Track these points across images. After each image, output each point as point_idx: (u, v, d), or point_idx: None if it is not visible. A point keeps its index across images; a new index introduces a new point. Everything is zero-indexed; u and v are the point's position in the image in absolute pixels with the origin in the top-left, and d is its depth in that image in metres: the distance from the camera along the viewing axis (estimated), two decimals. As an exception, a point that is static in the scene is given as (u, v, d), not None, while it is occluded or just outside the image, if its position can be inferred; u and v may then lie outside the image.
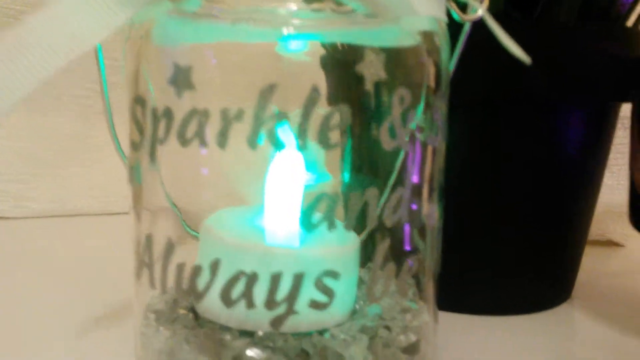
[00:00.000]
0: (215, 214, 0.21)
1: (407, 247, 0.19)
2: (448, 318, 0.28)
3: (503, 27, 0.18)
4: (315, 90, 0.16)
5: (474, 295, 0.28)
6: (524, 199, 0.28)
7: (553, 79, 0.26)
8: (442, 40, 0.20)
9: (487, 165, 0.27)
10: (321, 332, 0.19)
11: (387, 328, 0.20)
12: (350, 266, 0.20)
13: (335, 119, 0.16)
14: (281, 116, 0.16)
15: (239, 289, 0.17)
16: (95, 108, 0.52)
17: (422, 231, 0.19)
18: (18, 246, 0.41)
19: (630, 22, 0.29)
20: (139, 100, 0.18)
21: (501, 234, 0.28)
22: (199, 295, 0.17)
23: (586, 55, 0.26)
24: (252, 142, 0.16)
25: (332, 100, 0.17)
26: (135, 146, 0.18)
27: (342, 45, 0.19)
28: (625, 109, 0.30)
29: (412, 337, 0.20)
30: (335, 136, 0.16)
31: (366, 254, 0.20)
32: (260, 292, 0.17)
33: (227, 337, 0.19)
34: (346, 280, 0.19)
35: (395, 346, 0.20)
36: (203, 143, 0.16)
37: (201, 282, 0.17)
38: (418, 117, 0.18)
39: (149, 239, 0.18)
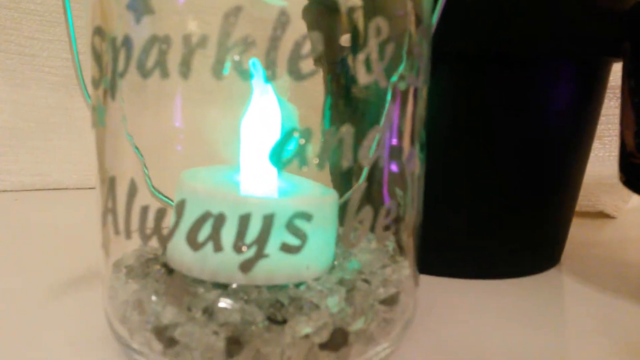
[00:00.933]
0: (191, 170, 0.20)
1: (385, 191, 0.18)
2: (436, 282, 0.27)
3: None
4: (283, 14, 0.15)
5: (463, 259, 0.28)
6: (510, 162, 0.27)
7: (541, 32, 0.25)
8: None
9: (472, 127, 0.26)
10: (297, 285, 0.18)
11: (366, 281, 0.20)
12: (326, 216, 0.19)
13: (307, 46, 0.15)
14: (248, 43, 0.15)
15: (205, 230, 0.16)
16: (75, 79, 0.50)
17: (402, 176, 0.18)
18: None
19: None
20: (97, 31, 0.16)
21: (489, 198, 0.27)
22: (164, 239, 0.16)
23: (576, 8, 0.25)
24: (217, 72, 0.15)
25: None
26: (95, 83, 0.17)
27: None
28: (616, 77, 0.29)
29: (392, 290, 0.20)
30: (307, 66, 0.15)
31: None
32: (228, 234, 0.16)
33: (200, 289, 0.18)
34: (321, 228, 0.18)
35: (374, 298, 0.19)
36: (165, 74, 0.15)
37: (166, 225, 0.16)
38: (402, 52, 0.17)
39: (112, 181, 0.17)
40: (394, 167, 0.18)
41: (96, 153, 0.19)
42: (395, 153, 0.18)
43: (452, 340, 0.21)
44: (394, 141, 0.18)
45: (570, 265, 0.31)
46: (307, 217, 0.16)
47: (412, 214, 0.19)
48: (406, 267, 0.20)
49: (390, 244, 0.21)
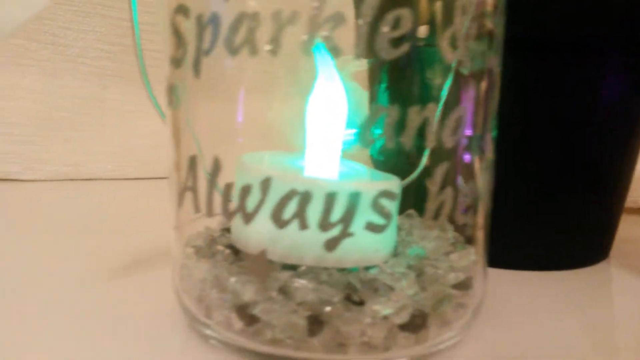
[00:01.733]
0: (250, 154, 0.20)
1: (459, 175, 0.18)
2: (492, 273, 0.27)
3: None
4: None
5: (513, 251, 0.27)
6: (564, 153, 0.27)
7: (602, 19, 0.25)
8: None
9: (532, 117, 0.26)
10: (366, 269, 0.18)
11: (434, 267, 0.19)
12: (397, 200, 0.19)
13: (396, 26, 0.15)
14: (338, 19, 0.15)
15: (291, 208, 0.16)
16: (109, 70, 0.50)
17: (478, 160, 0.18)
18: (30, 208, 0.40)
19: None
20: (180, 10, 0.16)
21: (541, 190, 0.27)
22: (249, 217, 0.16)
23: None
24: (307, 49, 0.15)
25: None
26: (176, 62, 0.17)
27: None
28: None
29: (463, 275, 0.19)
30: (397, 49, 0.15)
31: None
32: (314, 212, 0.16)
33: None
34: (394, 213, 0.18)
35: (444, 283, 0.19)
36: (253, 51, 0.15)
37: (251, 202, 0.16)
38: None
39: (192, 160, 0.17)
40: (473, 150, 0.18)
41: (171, 134, 0.19)
42: (474, 136, 0.18)
43: (510, 330, 0.21)
44: (471, 124, 0.17)
45: (619, 259, 0.31)
46: (392, 196, 0.16)
47: (484, 199, 0.19)
48: (472, 253, 0.20)
49: (450, 231, 0.21)
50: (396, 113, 0.15)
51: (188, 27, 0.17)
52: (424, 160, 0.19)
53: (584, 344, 0.20)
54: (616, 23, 0.25)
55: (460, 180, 0.18)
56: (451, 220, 0.17)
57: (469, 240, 0.19)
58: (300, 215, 0.16)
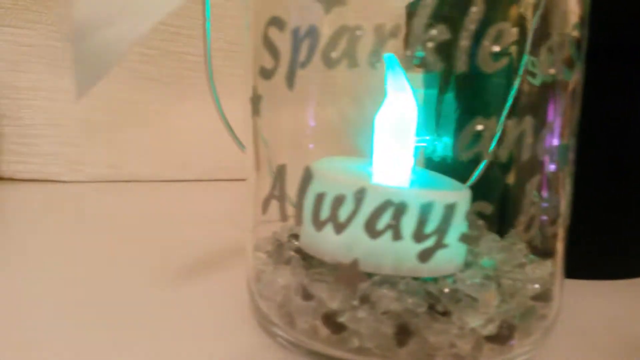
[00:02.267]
0: (320, 161, 0.21)
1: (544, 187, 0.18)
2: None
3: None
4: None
5: (586, 261, 0.27)
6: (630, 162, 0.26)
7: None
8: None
9: (619, 126, 0.26)
10: (440, 279, 0.18)
11: (511, 278, 0.20)
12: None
13: (497, 40, 0.15)
14: (441, 33, 0.15)
15: (385, 219, 0.16)
16: (145, 73, 0.51)
17: (561, 172, 0.18)
18: (73, 209, 0.40)
19: None
20: (274, 22, 0.17)
21: (623, 200, 0.27)
22: (341, 227, 0.16)
23: None
24: (409, 61, 0.15)
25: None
26: (266, 73, 0.17)
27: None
28: None
29: (539, 287, 0.20)
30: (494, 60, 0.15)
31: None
32: (409, 224, 0.16)
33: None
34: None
35: (524, 294, 0.19)
36: (353, 64, 0.15)
37: (344, 212, 0.16)
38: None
39: (281, 169, 0.17)
40: (554, 163, 0.18)
41: (253, 142, 0.19)
42: (560, 146, 0.18)
43: (587, 340, 0.21)
44: (558, 134, 0.17)
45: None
46: (485, 208, 0.16)
47: (565, 210, 0.19)
48: (548, 265, 0.20)
49: (520, 242, 0.21)
50: (495, 126, 0.15)
51: (281, 39, 0.17)
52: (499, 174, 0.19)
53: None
54: None
55: (547, 192, 0.18)
56: (542, 232, 0.17)
57: (548, 252, 0.19)
58: (395, 226, 0.16)
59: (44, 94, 0.47)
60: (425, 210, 0.16)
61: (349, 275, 0.17)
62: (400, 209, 0.16)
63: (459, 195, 0.17)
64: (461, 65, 0.15)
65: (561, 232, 0.19)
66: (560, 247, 0.19)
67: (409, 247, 0.16)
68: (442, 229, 0.16)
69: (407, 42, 0.17)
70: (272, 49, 0.17)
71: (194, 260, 0.28)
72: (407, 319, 0.17)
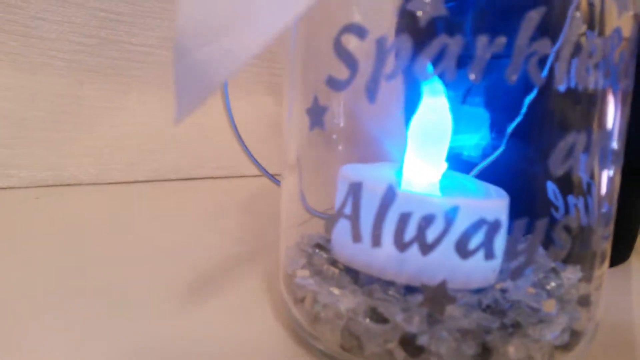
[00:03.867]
0: (348, 166, 0.20)
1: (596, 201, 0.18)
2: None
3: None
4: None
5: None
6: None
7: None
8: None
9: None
10: (480, 290, 0.18)
11: (557, 286, 0.20)
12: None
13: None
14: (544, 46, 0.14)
15: (478, 239, 0.15)
16: (85, 65, 0.46)
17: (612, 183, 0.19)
18: (5, 219, 0.36)
19: None
20: (353, 29, 0.15)
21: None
22: (428, 248, 0.16)
23: None
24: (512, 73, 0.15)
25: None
26: (337, 84, 0.16)
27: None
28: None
29: (586, 291, 0.20)
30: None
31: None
32: (500, 242, 0.16)
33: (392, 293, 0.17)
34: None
35: (569, 300, 0.20)
36: (451, 75, 0.15)
37: (431, 234, 0.16)
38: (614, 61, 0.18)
39: (356, 187, 0.16)
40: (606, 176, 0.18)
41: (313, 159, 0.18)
42: (614, 158, 0.18)
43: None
44: (614, 147, 0.18)
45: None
46: (570, 230, 0.16)
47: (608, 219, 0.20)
48: (578, 270, 0.21)
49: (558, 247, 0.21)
50: (585, 139, 0.15)
51: (357, 47, 0.16)
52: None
53: None
54: None
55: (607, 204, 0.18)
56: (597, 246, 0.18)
57: (590, 256, 0.20)
58: (487, 245, 0.15)
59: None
60: (519, 228, 0.15)
61: (436, 296, 0.16)
62: (494, 227, 0.15)
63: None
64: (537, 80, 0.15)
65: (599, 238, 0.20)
66: (608, 249, 0.20)
67: (499, 265, 0.16)
68: (532, 247, 0.16)
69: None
70: (347, 58, 0.16)
71: (192, 273, 0.26)
72: (483, 337, 0.17)
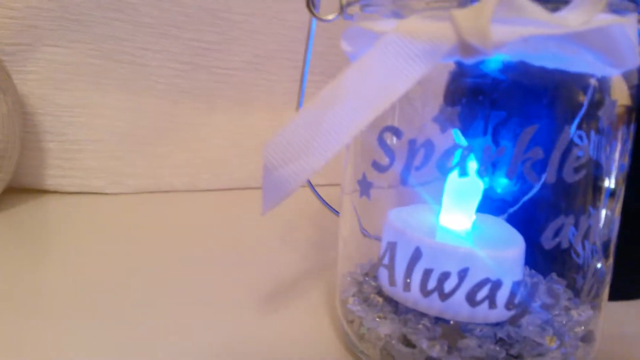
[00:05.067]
0: (395, 212, 0.25)
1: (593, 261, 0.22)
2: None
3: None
4: (566, 132, 0.19)
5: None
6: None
7: None
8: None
9: None
10: (502, 324, 0.23)
11: (560, 322, 0.24)
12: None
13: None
14: (538, 153, 0.19)
15: (483, 293, 0.20)
16: (180, 87, 0.54)
17: (607, 245, 0.23)
18: (117, 220, 0.44)
19: None
20: (391, 130, 0.20)
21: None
22: (445, 296, 0.21)
23: None
24: (510, 175, 0.19)
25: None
26: (379, 167, 0.21)
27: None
28: None
29: (583, 330, 0.24)
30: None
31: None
32: (502, 296, 0.20)
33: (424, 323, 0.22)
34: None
35: (572, 337, 0.24)
36: (464, 173, 0.19)
37: (448, 286, 0.21)
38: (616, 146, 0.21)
39: (392, 246, 0.21)
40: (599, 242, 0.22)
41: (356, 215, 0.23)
42: (610, 226, 0.22)
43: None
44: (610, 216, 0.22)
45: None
46: (560, 282, 0.21)
47: (608, 270, 0.24)
48: (588, 308, 0.25)
49: (562, 287, 0.25)
50: (573, 221, 0.20)
51: (395, 143, 0.21)
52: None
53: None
54: None
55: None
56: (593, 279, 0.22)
57: (594, 296, 0.24)
58: (491, 297, 0.20)
59: (85, 110, 0.50)
60: (515, 287, 0.20)
61: (451, 332, 0.21)
62: (496, 286, 0.20)
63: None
64: (550, 177, 0.19)
65: (608, 277, 0.24)
66: (606, 291, 0.24)
67: (501, 313, 0.21)
68: (528, 301, 0.20)
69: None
70: (387, 151, 0.21)
71: (260, 283, 0.32)
72: (490, 364, 0.22)
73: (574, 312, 0.25)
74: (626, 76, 0.22)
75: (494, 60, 0.21)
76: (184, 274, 0.32)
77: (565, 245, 0.20)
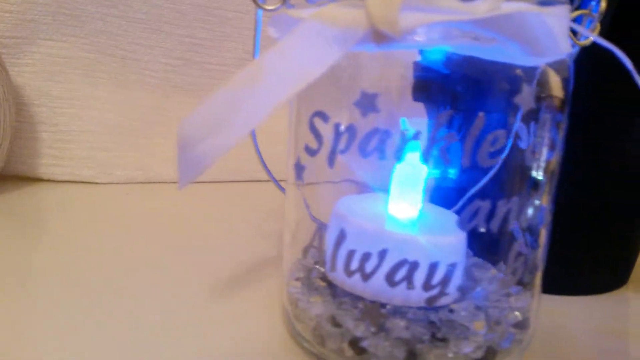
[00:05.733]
0: (342, 200, 0.25)
1: (522, 248, 0.23)
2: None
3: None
4: (480, 118, 0.19)
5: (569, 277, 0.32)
6: (608, 198, 0.31)
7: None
8: (570, 62, 0.23)
9: (581, 168, 0.31)
10: (439, 308, 0.24)
11: (497, 308, 0.25)
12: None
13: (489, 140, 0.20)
14: (451, 137, 0.20)
15: (402, 273, 0.21)
16: (172, 82, 0.55)
17: (534, 232, 0.23)
18: (106, 209, 0.46)
19: None
20: (320, 115, 0.21)
21: (582, 227, 0.32)
22: (366, 276, 0.21)
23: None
24: (425, 158, 0.20)
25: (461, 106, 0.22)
26: (310, 151, 0.22)
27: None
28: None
29: (519, 316, 0.25)
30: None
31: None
32: (419, 277, 0.21)
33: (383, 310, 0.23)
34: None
35: (506, 322, 0.24)
36: (382, 157, 0.20)
37: (369, 266, 0.21)
38: (545, 135, 0.22)
39: (320, 228, 0.22)
40: (528, 228, 0.23)
41: (293, 200, 0.24)
42: (531, 217, 0.23)
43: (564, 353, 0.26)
44: (530, 210, 0.22)
45: (637, 285, 0.36)
46: (480, 266, 0.21)
47: (541, 256, 0.24)
48: (528, 295, 0.25)
49: (507, 272, 0.26)
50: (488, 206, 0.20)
51: (324, 127, 0.21)
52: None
53: None
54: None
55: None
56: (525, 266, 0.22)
57: (529, 283, 0.25)
58: (409, 278, 0.21)
59: (78, 102, 0.52)
60: (432, 268, 0.21)
61: (373, 312, 0.22)
62: (413, 267, 0.21)
63: (459, 244, 0.22)
64: (464, 162, 0.20)
65: (534, 269, 0.24)
66: (537, 280, 0.24)
67: (419, 294, 0.21)
68: (444, 283, 0.21)
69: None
70: (316, 135, 0.22)
71: (228, 269, 0.33)
72: (414, 345, 0.22)
73: (512, 299, 0.25)
74: (556, 68, 0.22)
75: (435, 52, 0.22)
76: (162, 260, 0.34)
77: (481, 229, 0.20)
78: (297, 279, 0.27)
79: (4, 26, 0.48)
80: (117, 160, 0.53)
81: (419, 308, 0.23)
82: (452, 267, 0.21)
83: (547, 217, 0.24)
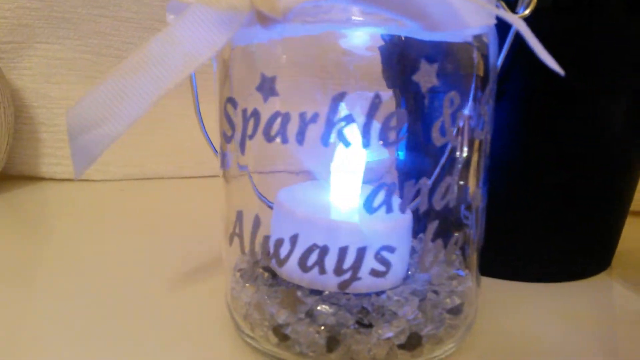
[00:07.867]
0: (287, 188, 0.25)
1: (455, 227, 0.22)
2: (496, 284, 0.31)
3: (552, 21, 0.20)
4: (377, 96, 0.19)
5: (519, 263, 0.31)
6: (571, 176, 0.30)
7: (599, 68, 0.28)
8: (490, 39, 0.22)
9: (538, 145, 0.29)
10: (378, 294, 0.23)
11: (435, 292, 0.24)
12: (404, 238, 0.23)
13: (394, 121, 0.19)
14: (349, 119, 0.19)
15: (313, 258, 0.21)
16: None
17: (468, 210, 0.23)
18: (103, 206, 0.47)
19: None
20: (230, 101, 0.21)
21: (548, 205, 0.30)
22: (281, 262, 0.21)
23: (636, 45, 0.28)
24: (325, 141, 0.19)
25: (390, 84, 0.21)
26: (226, 138, 0.22)
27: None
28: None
29: (457, 300, 0.24)
30: (393, 135, 0.19)
31: (419, 227, 0.23)
32: (330, 262, 0.21)
33: (300, 294, 0.23)
34: (400, 251, 0.23)
35: (442, 307, 0.23)
36: (285, 140, 0.20)
37: (283, 251, 0.21)
38: (466, 113, 0.21)
39: (239, 215, 0.22)
40: (462, 206, 0.22)
41: (224, 188, 0.24)
42: (463, 196, 0.22)
43: (508, 339, 0.25)
44: (461, 190, 0.22)
45: (620, 269, 0.34)
46: (390, 249, 0.21)
47: (477, 236, 0.23)
48: (469, 279, 0.25)
49: (457, 258, 0.25)
50: (394, 187, 0.20)
51: (235, 114, 0.21)
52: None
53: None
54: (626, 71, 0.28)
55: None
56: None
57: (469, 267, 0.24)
58: (320, 263, 0.21)
59: (74, 102, 0.53)
60: (342, 252, 0.20)
61: (290, 297, 0.22)
62: (323, 251, 0.20)
63: (375, 240, 0.21)
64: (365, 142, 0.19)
65: (472, 253, 0.23)
66: (473, 265, 0.24)
67: (332, 278, 0.21)
68: (355, 267, 0.20)
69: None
70: (229, 120, 0.22)
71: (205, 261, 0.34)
72: (337, 331, 0.22)
73: (455, 283, 0.25)
74: (476, 45, 0.22)
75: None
76: (160, 255, 0.35)
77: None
78: (239, 270, 0.27)
79: (1, 32, 0.50)
80: (113, 157, 0.54)
81: (356, 295, 0.23)
82: (362, 250, 0.20)
83: (478, 198, 0.23)
